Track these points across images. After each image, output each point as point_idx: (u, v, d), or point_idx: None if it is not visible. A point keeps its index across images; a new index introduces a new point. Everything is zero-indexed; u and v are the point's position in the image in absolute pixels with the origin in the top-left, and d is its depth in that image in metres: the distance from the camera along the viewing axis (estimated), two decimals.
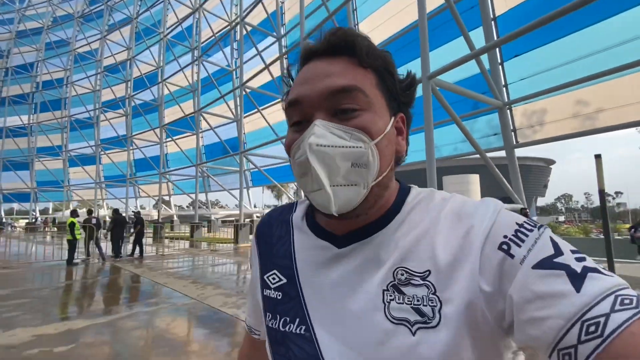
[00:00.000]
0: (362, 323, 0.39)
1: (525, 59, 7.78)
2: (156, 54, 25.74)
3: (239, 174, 15.23)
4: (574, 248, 0.34)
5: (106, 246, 10.22)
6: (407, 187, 0.48)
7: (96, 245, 9.54)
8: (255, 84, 15.44)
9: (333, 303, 0.42)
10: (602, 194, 4.51)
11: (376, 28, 12.05)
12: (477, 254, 0.36)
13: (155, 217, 22.43)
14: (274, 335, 0.45)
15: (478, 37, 8.03)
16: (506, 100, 7.97)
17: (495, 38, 8.15)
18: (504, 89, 8.07)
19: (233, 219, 23.00)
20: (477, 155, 6.95)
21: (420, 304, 0.37)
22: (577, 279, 0.30)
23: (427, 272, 0.38)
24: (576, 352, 0.28)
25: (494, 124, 8.62)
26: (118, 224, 9.87)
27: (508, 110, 7.99)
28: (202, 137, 20.49)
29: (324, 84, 0.41)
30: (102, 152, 28.23)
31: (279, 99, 15.16)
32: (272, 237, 0.53)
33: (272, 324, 0.46)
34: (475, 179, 24.07)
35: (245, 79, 14.93)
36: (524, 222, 0.37)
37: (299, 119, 0.42)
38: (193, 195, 19.48)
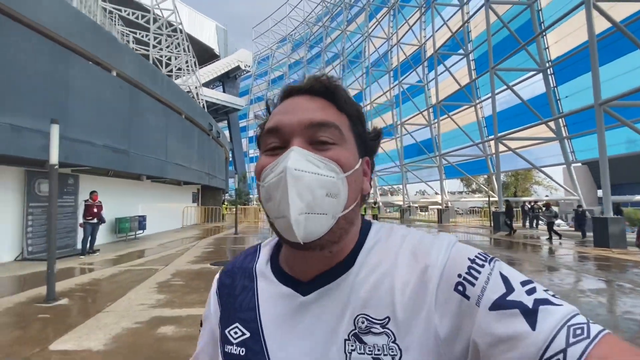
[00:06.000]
0: None
1: None
2: (360, 79, 33.69)
3: (436, 168, 19.91)
4: (523, 279, 0.36)
5: None
6: (368, 224, 0.48)
7: None
8: (443, 94, 19.53)
9: (298, 357, 0.41)
10: None
11: (560, 40, 13.52)
12: (433, 297, 0.37)
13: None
14: None
15: None
16: None
17: None
18: None
19: (425, 205, 28.11)
20: None
21: (380, 354, 0.37)
22: (531, 316, 0.32)
23: (387, 320, 0.38)
24: None
25: None
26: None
27: None
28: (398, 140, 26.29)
29: (305, 115, 0.43)
30: None
31: (467, 106, 18.61)
32: (235, 288, 0.50)
33: None
34: None
35: (436, 93, 19.37)
36: (475, 256, 0.39)
37: (277, 145, 0.43)
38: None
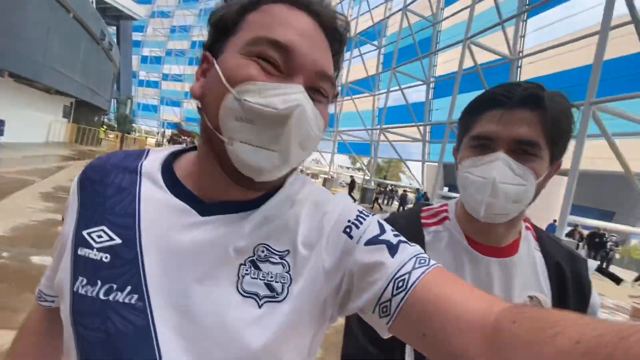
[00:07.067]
0: (208, 295, 0.38)
1: None
2: None
3: (331, 142, 22.31)
4: (394, 229, 0.45)
5: None
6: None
7: None
8: (352, 77, 21.61)
9: (179, 273, 0.38)
10: None
11: (445, 62, 16.77)
12: (325, 237, 0.43)
13: None
14: (86, 305, 0.37)
15: None
16: None
17: None
18: None
19: (316, 173, 31.29)
20: None
21: (272, 281, 0.40)
22: (393, 249, 0.40)
23: (287, 252, 0.42)
24: (390, 304, 0.37)
25: None
26: None
27: None
28: None
29: (320, 63, 0.39)
30: None
31: (368, 94, 21.11)
32: (106, 186, 0.43)
33: (85, 291, 0.37)
34: None
35: (347, 74, 21.24)
36: (363, 210, 0.46)
37: (277, 63, 0.37)
38: None
